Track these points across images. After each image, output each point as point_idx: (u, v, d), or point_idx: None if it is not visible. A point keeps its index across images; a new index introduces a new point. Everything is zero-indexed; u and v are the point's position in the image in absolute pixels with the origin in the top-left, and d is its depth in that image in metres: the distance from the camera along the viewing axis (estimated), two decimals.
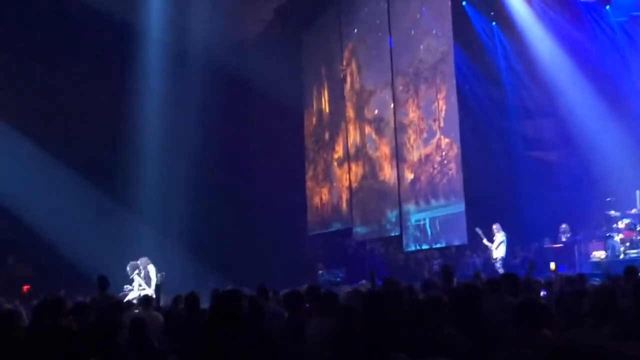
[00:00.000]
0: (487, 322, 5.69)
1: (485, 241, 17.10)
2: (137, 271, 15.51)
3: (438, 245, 19.41)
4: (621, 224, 16.28)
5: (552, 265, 10.94)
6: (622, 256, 15.55)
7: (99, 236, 19.50)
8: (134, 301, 13.11)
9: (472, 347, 4.84)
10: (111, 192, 21.28)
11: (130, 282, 15.55)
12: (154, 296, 12.73)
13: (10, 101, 21.13)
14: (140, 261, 15.67)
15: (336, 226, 24.55)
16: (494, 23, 20.06)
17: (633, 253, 15.47)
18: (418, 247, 20.29)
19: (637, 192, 16.39)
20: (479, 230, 17.12)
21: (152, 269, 15.45)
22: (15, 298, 15.30)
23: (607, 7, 18.64)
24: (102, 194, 21.13)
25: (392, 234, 21.27)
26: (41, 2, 19.42)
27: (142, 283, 15.32)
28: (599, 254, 16.35)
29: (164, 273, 15.29)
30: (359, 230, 23.08)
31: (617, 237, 16.10)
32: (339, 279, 20.49)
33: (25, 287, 19.04)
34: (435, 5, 18.95)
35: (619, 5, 18.57)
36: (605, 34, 19.04)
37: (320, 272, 22.30)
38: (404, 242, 20.62)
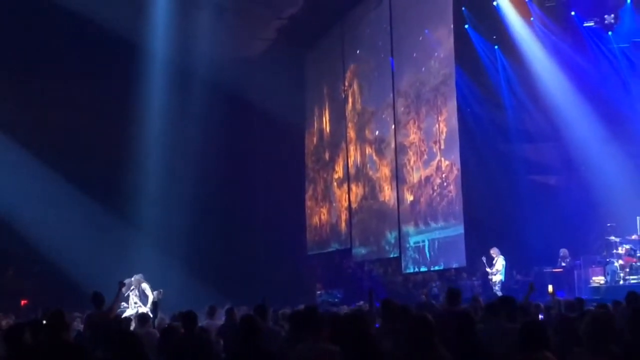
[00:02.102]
0: (483, 346, 5.68)
1: (487, 269, 17.04)
2: (132, 288, 15.49)
3: (436, 268, 19.36)
4: (621, 250, 16.29)
5: (550, 288, 10.93)
6: (621, 282, 15.55)
7: (99, 252, 19.50)
8: (132, 318, 13.09)
9: None
10: (111, 208, 21.26)
11: (126, 299, 15.52)
12: (151, 314, 12.71)
13: (14, 117, 21.19)
14: (134, 279, 15.64)
15: (335, 246, 24.52)
16: (496, 46, 20.14)
17: (633, 279, 15.46)
18: (417, 269, 20.24)
19: (638, 218, 16.42)
20: (484, 259, 17.07)
21: (146, 286, 15.42)
22: (12, 312, 15.33)
23: (610, 32, 18.75)
24: (102, 209, 21.12)
25: (391, 256, 21.22)
26: (49, 20, 19.46)
27: (137, 301, 15.29)
28: (599, 280, 16.35)
29: (161, 290, 15.27)
30: (358, 251, 23.04)
31: (617, 263, 16.10)
32: (337, 300, 20.48)
33: (23, 302, 19.01)
34: (438, 28, 19.03)
35: (621, 31, 18.68)
36: (607, 59, 19.14)
37: (319, 292, 22.28)
38: (403, 263, 20.57)
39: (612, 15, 18.47)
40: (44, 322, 7.15)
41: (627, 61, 19.00)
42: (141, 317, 10.38)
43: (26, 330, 6.45)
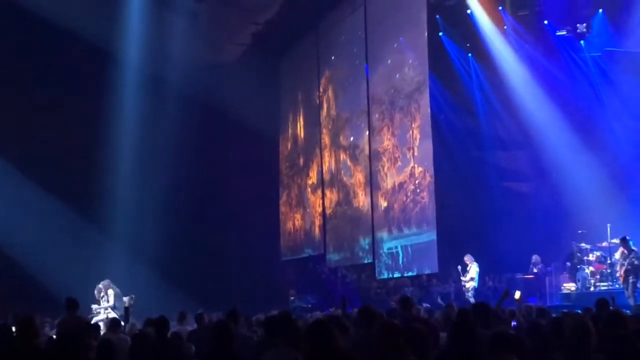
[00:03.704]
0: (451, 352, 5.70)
1: (462, 278, 17.05)
2: (102, 294, 15.44)
3: (409, 274, 19.40)
4: (592, 257, 16.45)
5: (517, 294, 10.98)
6: (592, 289, 15.68)
7: (71, 258, 19.35)
8: (101, 323, 13.00)
9: None
10: (84, 214, 21.14)
11: (98, 303, 15.46)
12: (122, 319, 12.63)
13: None
14: (103, 284, 15.59)
15: (309, 252, 24.52)
16: (469, 54, 20.26)
17: (603, 286, 15.60)
18: (390, 275, 20.28)
19: (608, 225, 16.52)
20: (459, 268, 17.10)
21: (111, 292, 15.37)
22: None
23: (582, 42, 18.92)
24: (74, 216, 20.98)
25: (365, 262, 21.25)
26: (23, 28, 19.32)
27: (107, 306, 15.24)
28: (569, 286, 16.49)
29: (133, 296, 15.20)
30: (332, 257, 23.05)
31: (588, 270, 16.24)
32: (310, 305, 20.43)
33: None
34: (412, 36, 19.12)
35: (593, 40, 18.87)
36: (579, 68, 19.32)
37: (292, 298, 22.22)
38: (377, 269, 20.60)
39: (584, 25, 18.65)
40: (14, 327, 7.08)
41: (598, 70, 19.19)
42: (112, 323, 10.31)
43: None
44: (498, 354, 4.86)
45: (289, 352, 5.21)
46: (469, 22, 19.38)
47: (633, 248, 14.49)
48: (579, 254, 16.72)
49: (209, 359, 5.89)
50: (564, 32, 18.92)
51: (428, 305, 13.33)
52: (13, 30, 19.76)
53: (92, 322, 12.79)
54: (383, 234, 20.36)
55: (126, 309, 14.13)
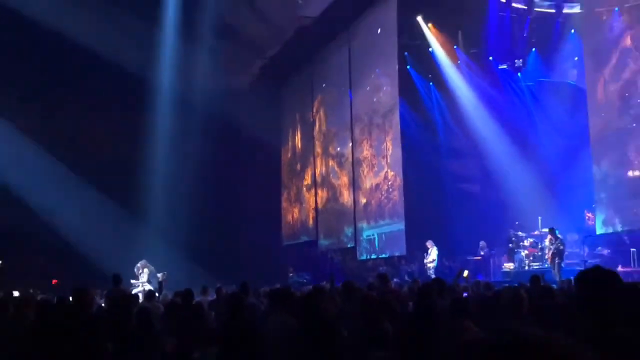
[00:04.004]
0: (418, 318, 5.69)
1: (425, 260, 17.03)
2: (139, 271, 15.46)
3: (383, 256, 19.43)
4: (526, 242, 16.49)
5: (465, 273, 11.00)
6: (526, 268, 15.71)
7: (115, 242, 19.27)
8: (139, 294, 13.00)
9: (412, 340, 4.78)
10: (126, 207, 21.10)
11: (136, 278, 15.46)
12: (157, 291, 12.62)
13: (51, 135, 21.04)
14: (140, 263, 15.61)
15: (304, 238, 24.52)
16: (431, 83, 20.30)
17: (535, 265, 15.66)
18: (368, 257, 20.31)
19: (539, 217, 16.61)
20: (425, 254, 17.03)
21: (147, 270, 15.40)
22: (45, 290, 15.11)
23: (519, 73, 19.05)
24: (118, 208, 20.96)
25: (349, 246, 21.26)
26: (76, 58, 19.30)
27: (144, 281, 15.24)
28: (509, 266, 16.51)
29: (166, 272, 15.18)
30: (322, 242, 23.06)
31: (523, 253, 16.28)
32: (305, 280, 20.41)
33: (54, 281, 18.74)
34: (386, 68, 19.16)
35: (528, 72, 19.00)
36: (516, 94, 19.41)
37: (291, 274, 22.19)
38: (358, 252, 20.63)
39: (521, 60, 18.78)
40: (71, 297, 7.06)
41: (531, 96, 19.31)
42: (148, 294, 10.32)
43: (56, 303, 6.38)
44: (457, 318, 4.87)
45: (287, 318, 5.21)
46: (431, 58, 19.44)
47: (558, 236, 14.56)
48: (514, 240, 16.73)
49: (225, 323, 5.89)
50: (505, 66, 19.04)
51: (398, 280, 13.34)
52: (68, 61, 19.70)
53: (132, 293, 12.79)
54: (363, 224, 20.39)
55: (160, 283, 14.16)
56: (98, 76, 20.27)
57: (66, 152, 20.94)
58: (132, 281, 15.35)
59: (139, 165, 21.43)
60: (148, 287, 14.43)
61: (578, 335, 2.42)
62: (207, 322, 7.46)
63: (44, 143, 20.87)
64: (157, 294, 11.49)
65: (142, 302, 9.92)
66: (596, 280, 2.67)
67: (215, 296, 10.27)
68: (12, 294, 11.83)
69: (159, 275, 15.02)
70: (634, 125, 13.23)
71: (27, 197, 20.07)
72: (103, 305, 9.54)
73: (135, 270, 15.53)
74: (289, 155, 26.49)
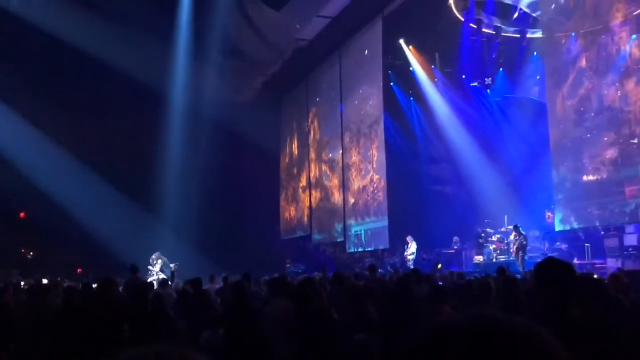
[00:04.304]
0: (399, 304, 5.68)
1: (405, 252, 16.99)
2: (154, 262, 15.39)
3: (369, 249, 19.45)
4: (494, 238, 16.47)
5: (439, 265, 10.99)
6: (494, 260, 15.70)
7: (133, 235, 19.20)
8: (154, 282, 12.95)
9: (393, 323, 4.75)
10: (142, 204, 21.04)
11: (151, 269, 15.39)
12: (170, 279, 12.57)
13: (78, 142, 21.00)
14: (155, 255, 15.55)
15: (300, 233, 24.51)
16: (411, 98, 20.33)
17: (502, 258, 15.66)
18: (356, 250, 20.32)
19: (505, 216, 16.62)
20: (405, 246, 17.00)
21: (161, 261, 15.34)
22: (71, 277, 15.05)
23: (488, 90, 19.08)
24: (135, 205, 20.89)
25: (339, 240, 21.27)
26: (100, 74, 19.26)
27: (158, 271, 15.18)
28: (479, 258, 16.50)
29: (178, 263, 15.13)
30: (316, 237, 23.06)
31: (491, 247, 16.28)
32: (300, 270, 20.41)
33: (79, 270, 18.67)
34: (372, 84, 19.20)
35: (496, 89, 19.03)
36: (486, 108, 19.44)
37: (288, 265, 22.18)
38: (347, 246, 20.64)
39: (490, 78, 18.81)
40: (94, 285, 7.04)
41: (499, 110, 19.33)
42: (162, 282, 10.28)
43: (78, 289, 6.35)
44: (435, 303, 4.87)
45: (284, 303, 5.21)
46: (411, 76, 19.48)
47: (522, 232, 14.56)
48: (483, 235, 16.71)
49: (230, 308, 5.89)
50: (476, 84, 19.07)
51: (382, 271, 13.36)
52: (93, 76, 19.67)
53: (148, 281, 12.75)
54: (351, 221, 20.41)
55: (172, 272, 14.12)
56: (120, 89, 20.21)
57: (91, 155, 20.90)
58: (150, 267, 15.29)
59: (154, 168, 21.42)
60: (162, 276, 14.37)
61: (538, 317, 2.45)
62: (214, 307, 7.45)
63: (71, 147, 20.82)
64: (169, 282, 11.45)
65: (156, 289, 9.89)
66: (551, 269, 2.71)
67: (222, 284, 10.25)
68: (42, 281, 11.78)
69: (172, 265, 14.98)
70: (588, 135, 13.29)
71: (56, 196, 20.00)
72: (122, 291, 9.50)
73: (151, 261, 15.48)
74: (287, 160, 26.49)
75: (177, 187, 21.54)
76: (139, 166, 21.24)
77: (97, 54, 18.70)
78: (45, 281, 11.93)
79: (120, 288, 10.59)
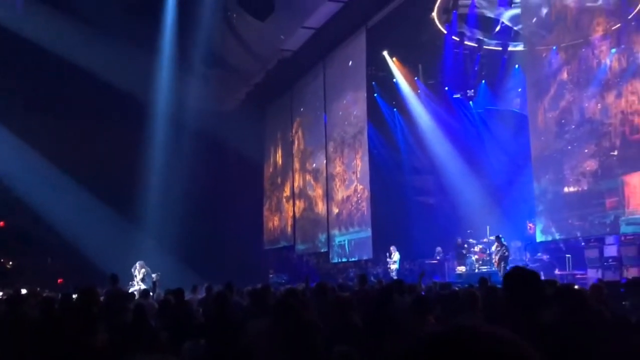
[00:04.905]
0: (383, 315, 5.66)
1: (388, 260, 16.97)
2: (136, 272, 15.22)
3: (353, 259, 19.43)
4: (476, 248, 16.54)
5: (420, 278, 10.98)
6: (476, 270, 15.77)
7: (114, 245, 19.00)
8: (135, 292, 12.80)
9: (376, 334, 4.72)
10: (124, 214, 20.82)
11: (133, 279, 15.21)
12: (151, 290, 12.43)
13: (57, 149, 20.73)
14: (138, 264, 15.38)
15: (283, 243, 24.41)
16: (395, 109, 20.46)
17: (484, 268, 15.73)
18: (339, 260, 20.28)
19: (487, 227, 16.72)
20: (387, 254, 17.02)
21: (143, 271, 15.17)
22: (51, 288, 14.82)
23: (471, 102, 19.25)
24: (117, 215, 20.67)
25: (322, 250, 21.21)
26: (82, 82, 19.12)
27: (139, 281, 15.01)
28: (461, 269, 16.55)
29: (159, 273, 14.98)
30: (299, 247, 22.98)
31: (474, 257, 16.35)
32: (283, 281, 20.33)
33: (60, 280, 18.38)
34: (356, 95, 19.28)
35: (478, 101, 19.21)
36: (468, 120, 19.62)
37: (271, 275, 22.08)
38: (330, 256, 20.59)
39: (472, 91, 18.97)
40: (74, 295, 6.93)
41: (481, 121, 19.52)
42: (143, 292, 10.16)
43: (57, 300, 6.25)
44: (419, 314, 4.86)
45: (264, 323, 5.06)
46: (395, 87, 19.62)
47: (504, 243, 14.68)
48: (465, 246, 16.77)
49: (212, 319, 5.83)
50: (459, 95, 19.22)
51: None
52: (79, 84, 19.51)
53: (129, 292, 12.59)
54: (335, 232, 20.38)
55: (154, 282, 13.95)
56: (103, 98, 20.07)
57: (72, 164, 20.62)
58: (133, 281, 15.09)
59: (136, 177, 21.18)
60: (143, 286, 14.21)
61: (512, 324, 2.47)
62: (196, 318, 7.37)
63: (52, 156, 20.56)
64: (151, 293, 11.32)
65: (137, 299, 9.77)
66: (518, 278, 2.75)
67: (204, 294, 10.15)
68: (21, 291, 11.57)
69: (154, 275, 14.82)
70: (569, 147, 13.46)
71: (37, 204, 19.73)
72: (102, 301, 9.37)
73: (133, 270, 15.31)
74: (271, 170, 26.43)
75: (160, 196, 21.35)
76: (121, 175, 21.03)
77: (81, 62, 18.56)
78: (24, 291, 11.72)
79: (101, 298, 10.45)
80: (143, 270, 15.14)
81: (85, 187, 20.47)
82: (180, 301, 7.53)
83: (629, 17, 12.52)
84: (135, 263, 15.48)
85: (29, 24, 17.74)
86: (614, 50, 12.66)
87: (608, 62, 12.75)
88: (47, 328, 4.81)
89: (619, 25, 12.70)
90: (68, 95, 20.25)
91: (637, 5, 12.43)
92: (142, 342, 5.00)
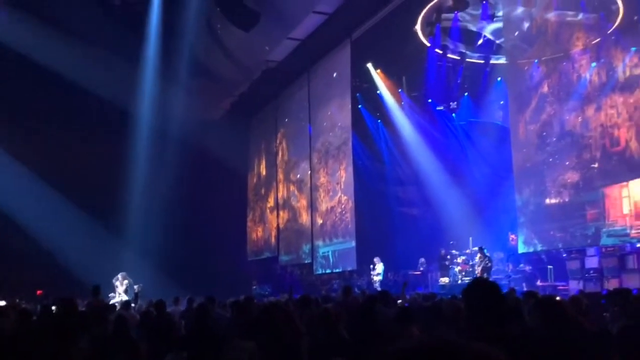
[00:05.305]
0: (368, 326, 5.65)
1: (372, 272, 16.97)
2: (118, 283, 15.06)
3: (337, 270, 19.40)
4: (459, 259, 16.58)
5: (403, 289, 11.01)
6: (460, 281, 15.83)
7: (96, 256, 18.78)
8: (117, 304, 12.66)
9: (361, 346, 4.69)
10: (106, 225, 20.66)
11: (114, 290, 15.04)
12: (133, 301, 12.31)
13: (39, 159, 20.55)
14: (120, 275, 15.23)
15: (267, 254, 24.32)
16: (379, 120, 20.56)
17: (467, 279, 15.75)
18: (323, 271, 20.24)
19: (470, 238, 16.80)
20: (371, 266, 17.00)
21: (126, 282, 15.02)
22: (30, 299, 14.59)
23: (453, 114, 19.42)
24: (99, 225, 20.49)
25: (306, 262, 21.16)
26: (65, 92, 18.97)
27: (121, 292, 14.85)
28: (444, 280, 16.60)
29: (141, 284, 14.84)
30: (283, 258, 22.91)
31: (457, 269, 16.39)
32: (267, 292, 20.22)
33: (39, 292, 18.11)
34: (341, 107, 19.36)
35: (461, 113, 19.38)
36: (451, 131, 19.76)
37: (254, 287, 21.96)
38: (314, 267, 20.55)
39: (455, 103, 19.14)
40: (53, 307, 6.84)
41: (464, 133, 19.67)
42: (125, 304, 10.07)
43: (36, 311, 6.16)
44: (403, 324, 4.85)
45: (246, 344, 4.94)
46: (379, 99, 19.72)
47: (487, 254, 14.77)
48: (448, 257, 16.83)
49: (194, 331, 5.78)
50: (442, 108, 19.39)
51: None
52: (62, 95, 19.38)
53: (110, 303, 12.45)
54: (319, 242, 20.36)
55: (136, 294, 13.83)
56: (85, 107, 19.96)
57: (53, 174, 20.41)
58: (114, 292, 14.92)
59: (118, 187, 20.99)
60: (125, 297, 14.08)
61: (476, 337, 2.50)
62: (178, 330, 7.32)
63: (33, 166, 20.35)
64: (133, 304, 11.21)
65: (119, 311, 9.67)
66: (479, 289, 2.78)
67: (186, 305, 10.08)
68: None
69: (135, 287, 14.69)
70: (550, 159, 13.62)
71: (15, 214, 19.48)
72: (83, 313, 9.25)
73: (115, 281, 15.15)
74: (255, 180, 26.38)
75: (143, 206, 21.16)
76: (103, 185, 20.84)
77: (64, 72, 18.40)
78: (2, 303, 11.53)
79: (82, 309, 10.32)
80: (126, 281, 14.99)
81: (67, 198, 20.27)
82: (162, 313, 7.46)
83: (609, 32, 12.76)
84: (117, 274, 15.30)
85: (11, 33, 17.58)
86: (594, 64, 12.88)
87: (588, 76, 12.97)
88: (25, 341, 4.73)
89: (598, 39, 12.94)
90: (50, 104, 20.10)
91: (616, 20, 12.69)
92: (122, 354, 4.95)
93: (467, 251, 16.51)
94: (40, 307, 7.84)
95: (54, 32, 17.49)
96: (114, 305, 11.90)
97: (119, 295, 14.69)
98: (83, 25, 17.19)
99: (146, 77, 20.21)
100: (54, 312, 6.41)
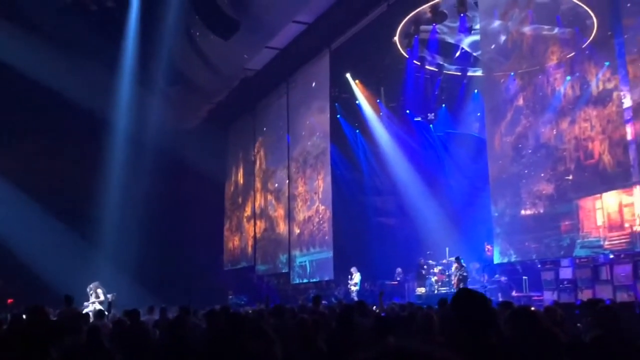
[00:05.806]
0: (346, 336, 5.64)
1: (349, 282, 16.95)
2: (91, 292, 14.82)
3: (314, 280, 19.36)
4: (436, 269, 16.64)
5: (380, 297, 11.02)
6: (436, 292, 15.88)
7: (69, 265, 18.41)
8: (90, 313, 12.43)
9: (335, 356, 4.68)
10: (79, 234, 20.29)
11: (88, 299, 14.80)
12: (106, 310, 12.11)
13: (11, 166, 20.20)
14: (93, 285, 14.98)
15: (243, 264, 24.18)
16: (357, 130, 20.63)
17: (443, 290, 15.86)
18: (300, 281, 20.18)
19: (447, 248, 16.91)
20: (349, 277, 17.03)
21: (100, 291, 14.78)
22: (2, 309, 14.30)
23: (431, 125, 19.58)
24: (72, 234, 20.12)
25: (283, 271, 21.08)
26: (42, 99, 18.70)
27: (95, 301, 14.61)
28: (421, 290, 16.64)
29: (115, 293, 14.62)
30: (260, 267, 22.79)
31: (433, 279, 16.45)
32: (243, 302, 20.08)
33: (10, 300, 17.72)
34: (319, 116, 19.41)
35: (438, 124, 19.55)
36: (429, 142, 19.93)
37: (230, 296, 21.78)
38: (291, 277, 20.48)
39: (433, 114, 19.30)
40: (24, 316, 6.70)
41: (441, 144, 19.86)
42: (98, 313, 9.90)
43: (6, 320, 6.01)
44: (380, 334, 4.84)
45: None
46: (357, 109, 19.80)
47: (463, 264, 14.88)
48: (425, 267, 16.90)
49: (168, 341, 5.71)
50: (419, 119, 19.52)
51: (326, 302, 13.29)
52: (35, 102, 19.08)
53: (83, 312, 12.22)
54: (296, 252, 20.31)
55: (109, 303, 13.63)
56: (60, 114, 19.64)
57: (27, 182, 20.03)
58: (86, 302, 14.67)
59: (93, 195, 20.68)
60: (98, 307, 13.85)
61: (462, 345, 2.51)
62: (152, 339, 7.20)
63: (7, 174, 19.93)
64: (106, 313, 11.03)
65: (92, 321, 9.50)
66: (467, 299, 2.79)
67: (159, 316, 9.94)
68: None
69: (109, 296, 14.48)
70: (525, 171, 13.81)
71: None
72: (54, 322, 9.07)
73: (88, 290, 14.89)
74: (232, 189, 26.25)
75: (118, 215, 20.88)
76: (77, 193, 20.52)
77: (38, 77, 18.11)
78: None
79: (54, 319, 10.13)
80: (100, 290, 14.75)
81: (40, 205, 19.88)
82: (135, 322, 7.35)
83: (583, 47, 13.05)
84: (90, 283, 15.05)
85: None
86: (568, 78, 13.14)
87: (562, 89, 13.22)
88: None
89: (573, 54, 13.22)
90: (24, 111, 19.76)
91: (591, 35, 12.98)
92: None
93: (444, 261, 16.59)
94: (11, 316, 7.67)
95: (29, 37, 17.24)
96: (87, 314, 11.70)
97: (92, 305, 14.45)
98: (59, 31, 16.95)
99: (123, 85, 20.00)
100: (23, 320, 6.27)
